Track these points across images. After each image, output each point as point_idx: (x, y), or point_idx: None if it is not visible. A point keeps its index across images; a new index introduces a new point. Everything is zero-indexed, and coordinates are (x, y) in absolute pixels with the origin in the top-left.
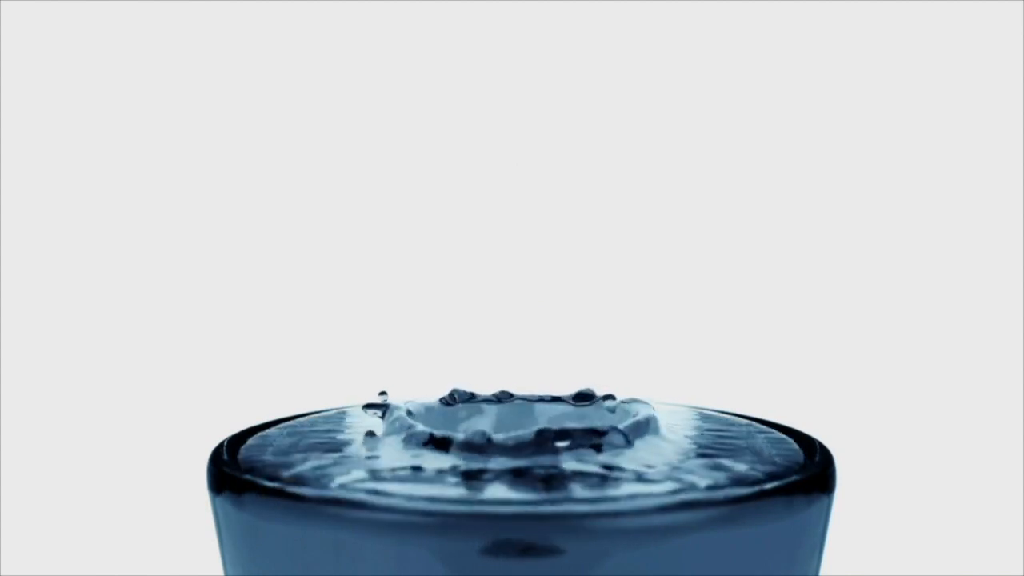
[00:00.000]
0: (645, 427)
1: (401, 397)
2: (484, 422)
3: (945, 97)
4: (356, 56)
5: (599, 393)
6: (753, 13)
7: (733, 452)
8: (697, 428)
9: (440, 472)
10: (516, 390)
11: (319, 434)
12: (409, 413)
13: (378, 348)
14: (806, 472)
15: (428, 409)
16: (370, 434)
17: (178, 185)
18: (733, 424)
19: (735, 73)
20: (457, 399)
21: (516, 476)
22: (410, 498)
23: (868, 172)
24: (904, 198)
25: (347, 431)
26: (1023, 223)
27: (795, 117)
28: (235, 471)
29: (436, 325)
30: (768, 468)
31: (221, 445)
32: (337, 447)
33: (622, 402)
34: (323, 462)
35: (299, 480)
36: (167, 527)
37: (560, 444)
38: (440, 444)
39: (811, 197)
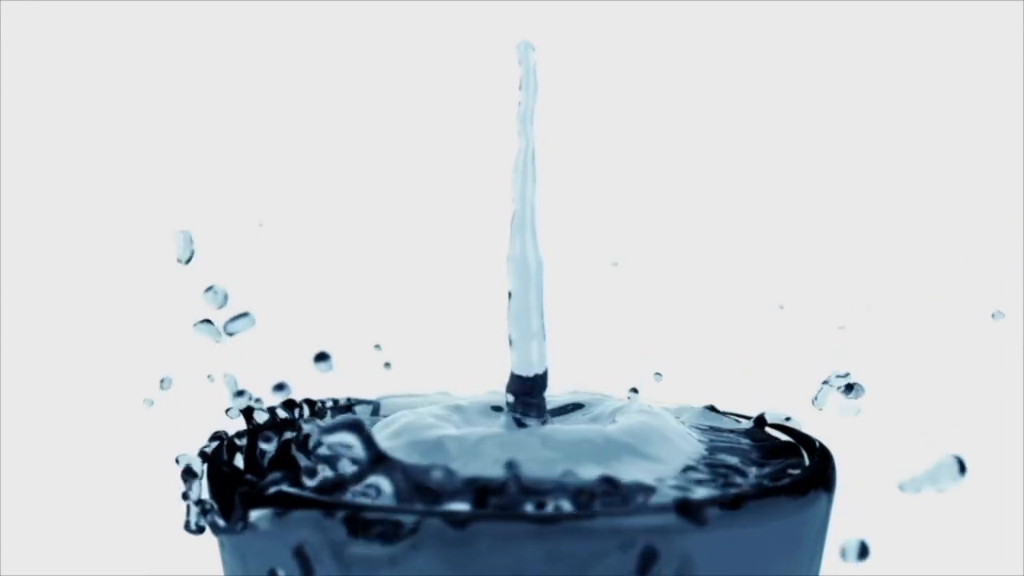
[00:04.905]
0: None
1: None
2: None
3: (945, 95)
4: (345, 51)
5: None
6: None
7: (733, 451)
8: (697, 427)
9: (442, 471)
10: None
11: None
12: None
13: (375, 347)
14: (806, 472)
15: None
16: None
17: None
18: (733, 423)
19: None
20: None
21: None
22: (411, 499)
23: (865, 177)
24: (901, 198)
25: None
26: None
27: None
28: (235, 472)
29: (429, 321)
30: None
31: (221, 445)
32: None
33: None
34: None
35: (299, 481)
36: (167, 527)
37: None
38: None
39: (807, 197)
